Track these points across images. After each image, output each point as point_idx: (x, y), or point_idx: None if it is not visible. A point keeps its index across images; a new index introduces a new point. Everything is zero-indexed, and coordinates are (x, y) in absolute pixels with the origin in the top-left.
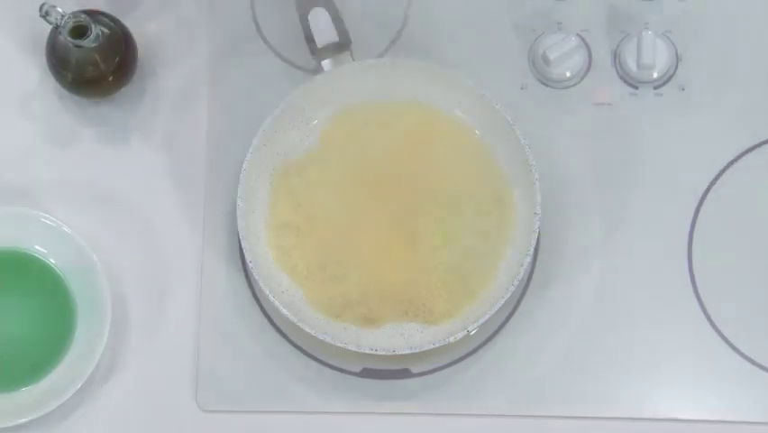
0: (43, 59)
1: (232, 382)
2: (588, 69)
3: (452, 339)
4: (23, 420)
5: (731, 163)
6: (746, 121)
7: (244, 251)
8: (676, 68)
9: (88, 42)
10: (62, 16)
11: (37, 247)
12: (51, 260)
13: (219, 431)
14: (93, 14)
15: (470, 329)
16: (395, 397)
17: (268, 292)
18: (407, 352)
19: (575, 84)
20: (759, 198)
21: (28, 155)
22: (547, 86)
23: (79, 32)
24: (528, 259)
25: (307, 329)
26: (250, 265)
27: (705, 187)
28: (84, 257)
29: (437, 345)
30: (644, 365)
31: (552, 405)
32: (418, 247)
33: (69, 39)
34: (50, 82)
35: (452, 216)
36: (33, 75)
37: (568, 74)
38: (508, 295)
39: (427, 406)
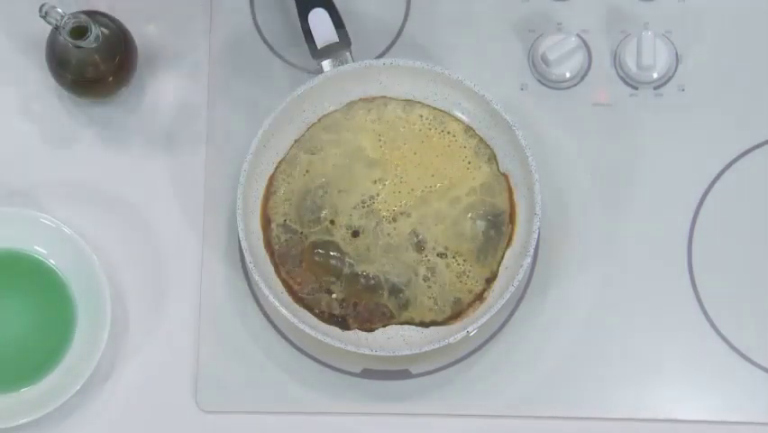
0: (43, 60)
1: (232, 382)
2: (588, 69)
3: (451, 340)
4: (24, 420)
5: (731, 164)
6: (746, 121)
7: (244, 251)
8: (676, 68)
9: (88, 43)
10: (62, 17)
11: (37, 248)
12: (51, 260)
13: (219, 432)
14: (92, 15)
15: (469, 330)
16: (395, 398)
17: (267, 293)
18: (407, 353)
19: (575, 84)
20: (759, 199)
21: (28, 156)
22: (547, 86)
23: (79, 32)
24: (528, 260)
25: (307, 330)
26: (249, 266)
27: (705, 187)
28: (84, 258)
29: (437, 346)
30: (643, 366)
31: (551, 406)
32: (418, 247)
33: (69, 39)
34: (50, 82)
35: (451, 216)
36: (33, 75)
37: (568, 74)
38: (508, 296)
39: (427, 407)
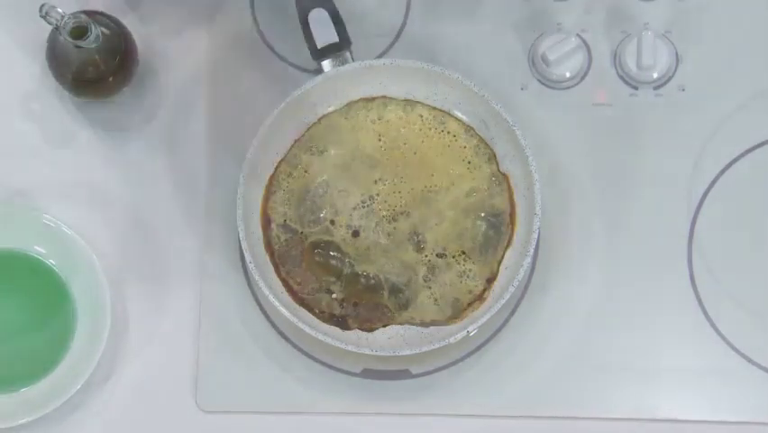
0: (44, 60)
1: (232, 382)
2: (588, 69)
3: (452, 340)
4: (24, 421)
5: (731, 164)
6: (746, 121)
7: (244, 251)
8: (676, 68)
9: (88, 43)
10: (62, 17)
11: (36, 248)
12: (51, 260)
13: (219, 431)
14: (92, 15)
15: (469, 330)
16: (395, 397)
17: (267, 293)
18: (408, 353)
19: (575, 84)
20: (759, 199)
21: (28, 156)
22: (547, 86)
23: (79, 32)
24: (528, 260)
25: (307, 330)
26: (250, 266)
27: (705, 187)
28: (83, 258)
29: (437, 346)
30: (643, 366)
31: (551, 406)
32: (417, 247)
33: (69, 40)
34: (51, 83)
35: (451, 216)
36: (34, 75)
37: (568, 74)
38: (508, 296)
39: (427, 407)
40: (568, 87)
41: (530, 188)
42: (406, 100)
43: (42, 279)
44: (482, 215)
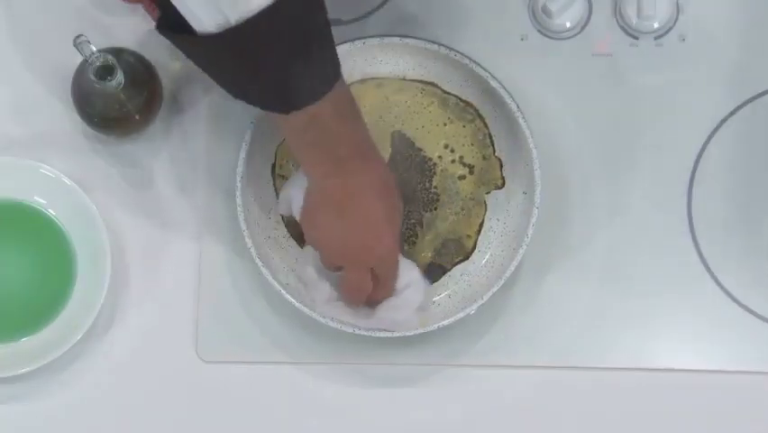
0: (68, 96)
1: (231, 332)
2: (588, 19)
3: (447, 322)
4: (24, 370)
5: (731, 114)
6: (746, 71)
7: (237, 206)
8: (677, 18)
9: (110, 86)
10: (92, 53)
11: (36, 198)
12: (51, 211)
13: (219, 381)
14: (120, 52)
15: (470, 311)
16: (394, 348)
17: (270, 278)
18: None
19: (575, 35)
20: (759, 150)
21: (28, 107)
22: (547, 36)
23: (106, 71)
24: (523, 250)
25: (306, 311)
26: (248, 244)
27: (705, 138)
28: (83, 208)
29: (432, 329)
30: (644, 318)
31: (561, 357)
32: (417, 232)
33: (93, 78)
34: (75, 118)
35: (445, 202)
36: (58, 111)
37: (568, 24)
38: (502, 282)
39: (431, 357)
40: (568, 38)
41: (531, 179)
42: (413, 80)
43: (42, 230)
44: (481, 201)
